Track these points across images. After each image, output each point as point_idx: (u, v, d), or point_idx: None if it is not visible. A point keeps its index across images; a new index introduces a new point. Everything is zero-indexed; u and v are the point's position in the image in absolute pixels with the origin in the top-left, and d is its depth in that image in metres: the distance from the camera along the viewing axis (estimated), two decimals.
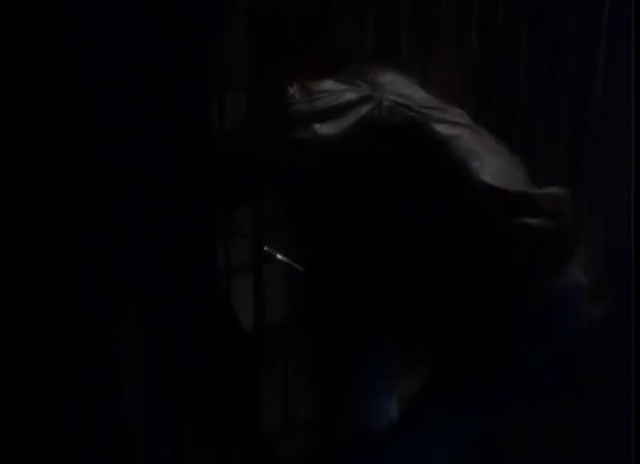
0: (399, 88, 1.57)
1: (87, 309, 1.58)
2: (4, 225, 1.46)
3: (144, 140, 1.58)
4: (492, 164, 1.53)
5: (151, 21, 1.54)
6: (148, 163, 1.60)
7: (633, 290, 1.91)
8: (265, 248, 1.84)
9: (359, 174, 1.49)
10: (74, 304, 1.57)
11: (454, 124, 1.55)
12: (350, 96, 1.51)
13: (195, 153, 1.63)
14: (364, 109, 1.50)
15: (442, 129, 1.52)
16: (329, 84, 1.54)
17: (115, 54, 1.51)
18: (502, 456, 2.03)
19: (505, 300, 1.48)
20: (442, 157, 1.51)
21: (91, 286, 1.58)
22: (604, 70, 2.55)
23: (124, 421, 1.68)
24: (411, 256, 1.51)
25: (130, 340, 1.65)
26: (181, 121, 1.62)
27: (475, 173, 1.49)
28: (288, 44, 1.65)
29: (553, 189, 1.58)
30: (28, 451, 1.54)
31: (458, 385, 1.55)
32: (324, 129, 1.48)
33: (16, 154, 1.45)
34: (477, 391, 1.55)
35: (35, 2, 1.41)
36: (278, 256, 1.87)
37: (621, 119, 2.61)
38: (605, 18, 2.49)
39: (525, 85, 2.30)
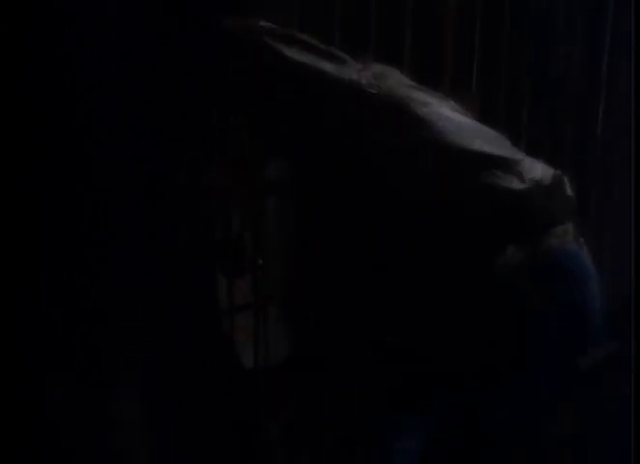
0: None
1: (87, 309, 1.58)
2: (4, 225, 1.46)
3: (144, 140, 1.58)
4: (475, 132, 1.56)
5: (151, 21, 1.54)
6: (148, 164, 1.60)
7: (633, 291, 1.91)
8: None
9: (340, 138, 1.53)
10: (74, 304, 1.57)
11: (435, 103, 1.59)
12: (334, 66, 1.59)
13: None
14: (349, 72, 1.58)
15: (422, 98, 1.57)
16: None
17: (115, 54, 1.51)
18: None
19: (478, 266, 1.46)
20: (421, 122, 1.53)
21: (91, 286, 1.58)
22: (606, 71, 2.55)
23: (123, 422, 1.68)
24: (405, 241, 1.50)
25: (130, 341, 1.65)
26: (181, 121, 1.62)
27: (456, 139, 1.51)
28: None
29: (536, 161, 1.57)
30: (28, 451, 1.54)
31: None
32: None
33: (16, 154, 1.45)
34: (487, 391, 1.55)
35: (35, 2, 1.41)
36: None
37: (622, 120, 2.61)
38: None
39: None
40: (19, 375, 1.51)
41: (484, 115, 2.15)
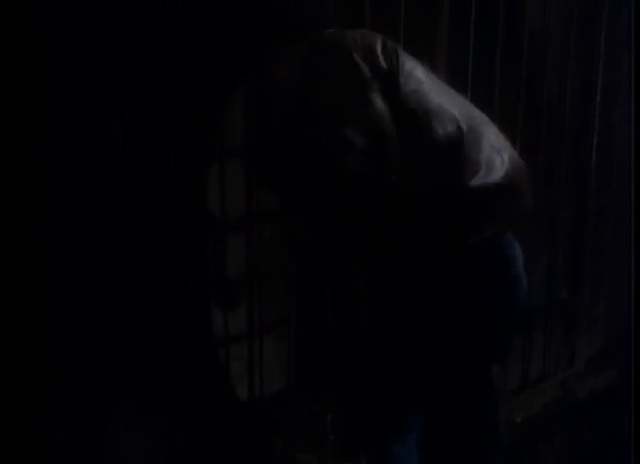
0: None
1: (87, 309, 1.59)
2: (4, 225, 1.46)
3: (145, 140, 1.59)
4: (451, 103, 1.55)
5: (151, 21, 1.55)
6: (148, 164, 1.60)
7: (634, 293, 1.91)
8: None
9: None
10: (75, 304, 1.57)
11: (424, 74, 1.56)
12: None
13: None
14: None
15: (416, 70, 1.54)
16: None
17: (115, 54, 1.52)
18: None
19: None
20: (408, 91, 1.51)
21: (90, 285, 1.58)
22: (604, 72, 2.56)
23: (122, 421, 1.68)
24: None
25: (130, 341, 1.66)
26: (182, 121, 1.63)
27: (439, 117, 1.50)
28: None
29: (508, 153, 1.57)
30: (28, 451, 1.54)
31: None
32: None
33: (16, 154, 1.45)
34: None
35: (35, 2, 1.42)
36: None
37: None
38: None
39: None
40: (19, 375, 1.51)
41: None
